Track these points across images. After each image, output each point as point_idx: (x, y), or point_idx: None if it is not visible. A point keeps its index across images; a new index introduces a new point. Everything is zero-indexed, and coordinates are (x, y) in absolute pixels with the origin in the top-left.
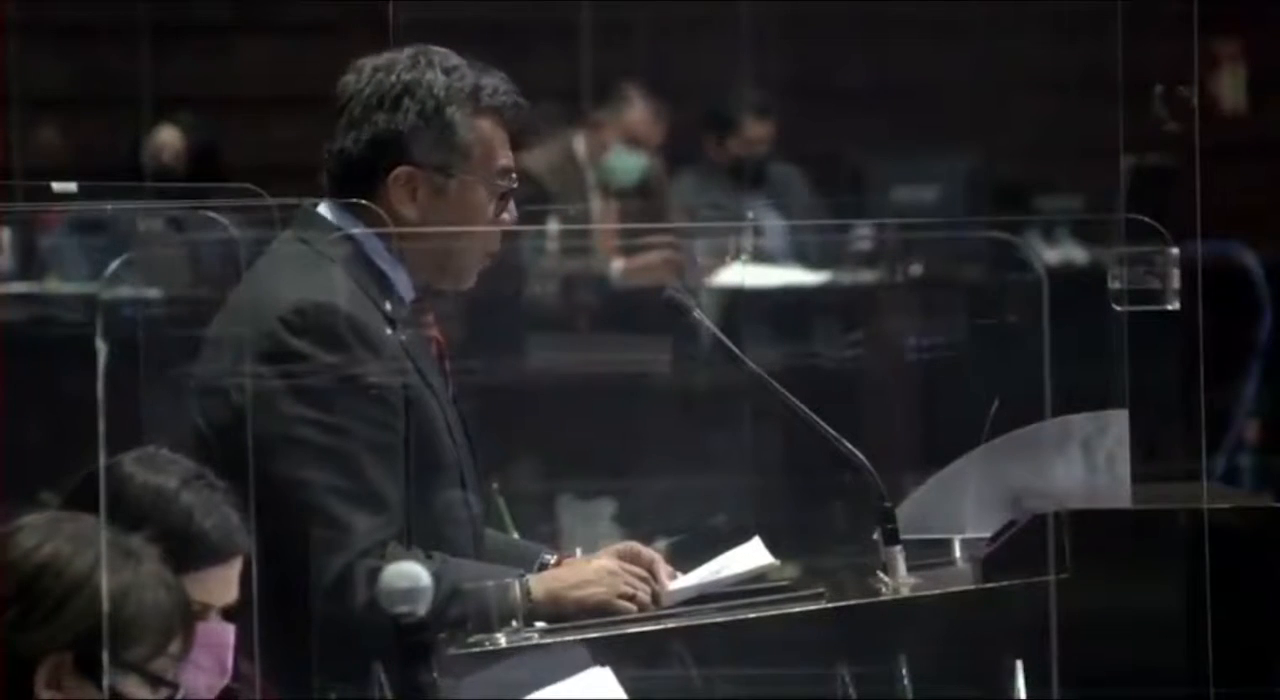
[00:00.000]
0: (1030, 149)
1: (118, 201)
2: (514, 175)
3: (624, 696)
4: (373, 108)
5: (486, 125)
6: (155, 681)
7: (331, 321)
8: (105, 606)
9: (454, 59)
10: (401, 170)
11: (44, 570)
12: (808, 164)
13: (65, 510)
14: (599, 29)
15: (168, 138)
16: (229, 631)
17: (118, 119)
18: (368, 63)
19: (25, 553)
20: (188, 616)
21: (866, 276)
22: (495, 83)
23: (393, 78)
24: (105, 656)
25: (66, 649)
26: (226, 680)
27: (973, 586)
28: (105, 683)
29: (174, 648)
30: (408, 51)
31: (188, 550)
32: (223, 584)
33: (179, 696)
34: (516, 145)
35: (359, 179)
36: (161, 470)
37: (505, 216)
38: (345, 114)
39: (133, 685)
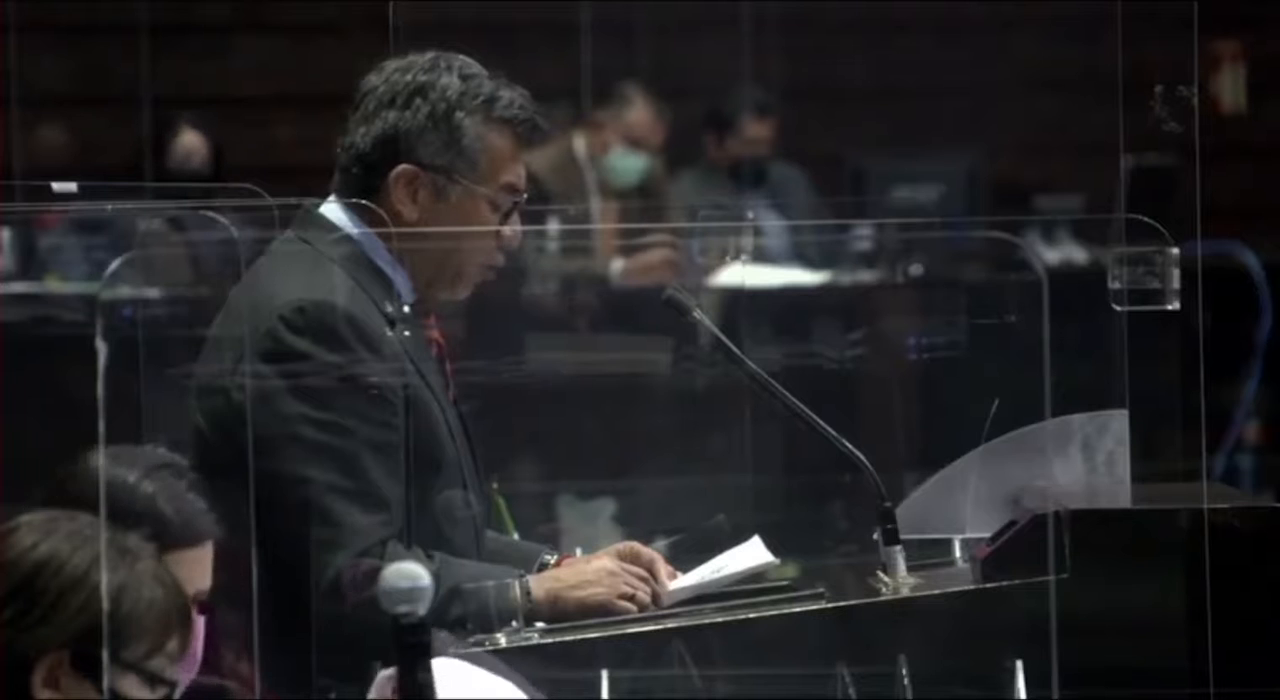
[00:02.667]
0: (1030, 149)
1: (118, 201)
2: (521, 193)
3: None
4: (385, 104)
5: (496, 137)
6: (153, 680)
7: (332, 320)
8: (105, 605)
9: (475, 68)
10: (405, 168)
11: (41, 569)
12: (808, 164)
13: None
14: (599, 29)
15: (192, 142)
16: (199, 621)
17: (118, 119)
18: (390, 63)
19: (22, 551)
20: (185, 614)
21: (866, 276)
22: (513, 96)
23: (409, 77)
24: (105, 655)
25: (64, 648)
26: (196, 669)
27: (973, 586)
28: (105, 682)
29: (171, 645)
30: (430, 54)
31: (151, 535)
32: (189, 570)
33: (176, 695)
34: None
35: (365, 175)
36: (126, 462)
37: (506, 232)
38: (360, 109)
39: (131, 684)
